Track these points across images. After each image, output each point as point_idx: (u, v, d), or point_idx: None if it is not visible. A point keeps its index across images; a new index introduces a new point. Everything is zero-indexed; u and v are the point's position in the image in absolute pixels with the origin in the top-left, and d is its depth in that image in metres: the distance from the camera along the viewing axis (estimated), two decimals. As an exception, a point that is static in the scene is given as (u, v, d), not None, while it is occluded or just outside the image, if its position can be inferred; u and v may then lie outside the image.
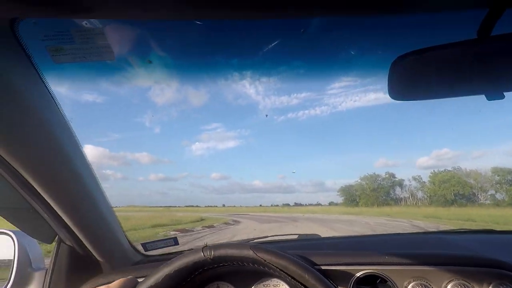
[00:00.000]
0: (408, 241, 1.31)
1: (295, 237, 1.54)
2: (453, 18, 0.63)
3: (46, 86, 0.71)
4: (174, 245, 1.34)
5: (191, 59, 1.14)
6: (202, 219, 20.96)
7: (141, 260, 1.25)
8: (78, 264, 0.98)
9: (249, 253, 0.66)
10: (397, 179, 71.28)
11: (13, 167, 0.69)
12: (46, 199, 0.79)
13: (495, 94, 0.56)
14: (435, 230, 1.40)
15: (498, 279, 0.75)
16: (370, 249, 1.09)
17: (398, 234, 1.49)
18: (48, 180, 0.77)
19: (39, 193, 0.77)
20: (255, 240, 1.51)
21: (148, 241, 1.32)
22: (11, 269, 0.90)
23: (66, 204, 0.83)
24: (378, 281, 0.81)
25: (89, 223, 0.93)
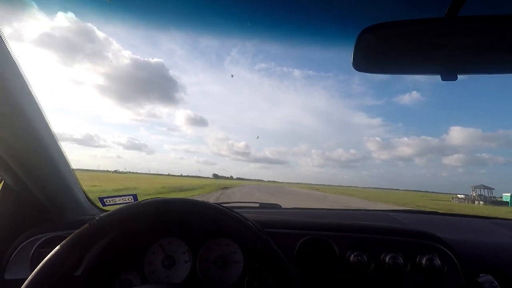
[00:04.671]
0: (358, 215, 1.39)
1: (257, 205, 1.58)
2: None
3: None
4: (133, 201, 1.33)
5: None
6: None
7: (97, 214, 1.24)
8: (25, 210, 0.95)
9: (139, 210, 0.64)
10: None
11: None
12: None
13: (449, 75, 0.57)
14: (388, 209, 1.49)
15: (426, 251, 0.82)
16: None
17: (354, 209, 1.57)
18: None
19: None
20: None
21: (105, 196, 1.29)
22: None
23: (13, 149, 0.78)
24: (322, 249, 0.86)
25: (39, 171, 0.89)
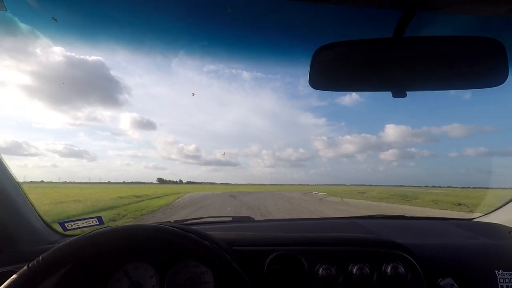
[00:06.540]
0: (328, 224, 1.42)
1: (229, 219, 1.56)
2: (375, 15, 0.66)
3: None
4: (98, 224, 1.26)
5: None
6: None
7: (58, 240, 1.15)
8: None
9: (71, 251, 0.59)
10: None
11: None
12: None
13: (399, 92, 0.61)
14: (354, 215, 1.55)
15: (391, 259, 0.84)
16: (294, 232, 1.14)
17: (324, 218, 1.60)
18: None
19: None
20: (189, 221, 1.49)
21: (66, 220, 1.21)
22: None
23: None
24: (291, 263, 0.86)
25: None
